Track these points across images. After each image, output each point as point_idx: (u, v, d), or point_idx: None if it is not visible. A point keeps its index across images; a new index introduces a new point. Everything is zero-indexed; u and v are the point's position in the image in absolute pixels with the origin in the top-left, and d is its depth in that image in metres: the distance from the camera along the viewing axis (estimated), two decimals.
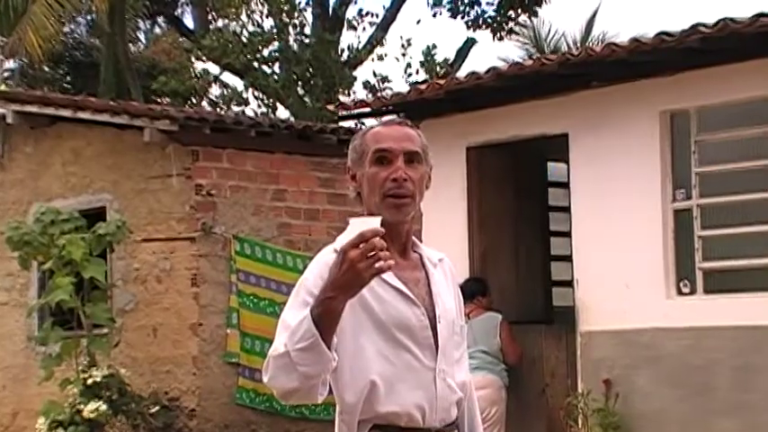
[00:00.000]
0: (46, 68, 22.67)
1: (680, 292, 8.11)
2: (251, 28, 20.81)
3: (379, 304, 2.66)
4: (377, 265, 2.42)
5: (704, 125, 8.14)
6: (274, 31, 19.88)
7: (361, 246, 2.42)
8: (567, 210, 8.96)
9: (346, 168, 2.84)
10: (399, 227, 2.75)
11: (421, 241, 2.92)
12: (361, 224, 2.47)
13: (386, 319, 2.68)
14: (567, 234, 8.94)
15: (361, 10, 21.18)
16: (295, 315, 2.57)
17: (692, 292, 8.06)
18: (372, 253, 2.42)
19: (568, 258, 8.89)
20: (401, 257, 2.75)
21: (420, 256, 2.85)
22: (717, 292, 8.01)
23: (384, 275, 2.58)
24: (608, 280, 8.32)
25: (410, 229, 2.80)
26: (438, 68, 20.41)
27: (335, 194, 11.69)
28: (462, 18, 20.52)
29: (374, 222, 2.48)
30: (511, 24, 20.55)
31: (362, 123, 13.66)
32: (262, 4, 20.75)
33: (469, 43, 21.24)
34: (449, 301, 2.83)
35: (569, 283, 8.87)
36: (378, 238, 2.43)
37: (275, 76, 19.99)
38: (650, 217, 8.14)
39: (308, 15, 20.45)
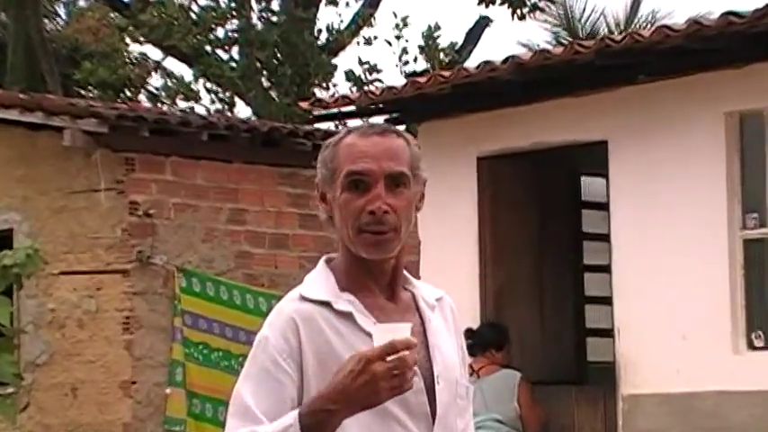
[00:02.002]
0: None
1: (751, 346, 8.13)
2: (202, 1, 20.87)
3: None
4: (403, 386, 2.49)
5: None
6: (232, 5, 19.93)
7: (388, 359, 2.47)
8: (605, 238, 8.98)
9: (315, 185, 2.85)
10: (383, 263, 2.76)
11: (418, 277, 2.92)
12: (389, 332, 2.52)
13: None
14: (606, 269, 8.96)
15: None
16: (255, 393, 2.59)
17: (767, 345, 8.09)
18: (400, 371, 2.48)
19: (607, 301, 8.90)
20: (388, 300, 2.76)
21: (413, 296, 2.85)
22: None
23: (368, 327, 2.59)
24: (658, 329, 8.34)
25: (399, 263, 2.81)
26: (442, 56, 20.47)
27: (310, 215, 11.68)
28: None
29: (404, 331, 2.52)
30: None
31: (344, 125, 13.68)
32: None
33: (482, 23, 21.32)
34: (450, 354, 2.83)
35: (608, 333, 8.88)
36: (409, 353, 2.48)
37: (233, 64, 20.03)
38: (713, 249, 8.16)
39: None
